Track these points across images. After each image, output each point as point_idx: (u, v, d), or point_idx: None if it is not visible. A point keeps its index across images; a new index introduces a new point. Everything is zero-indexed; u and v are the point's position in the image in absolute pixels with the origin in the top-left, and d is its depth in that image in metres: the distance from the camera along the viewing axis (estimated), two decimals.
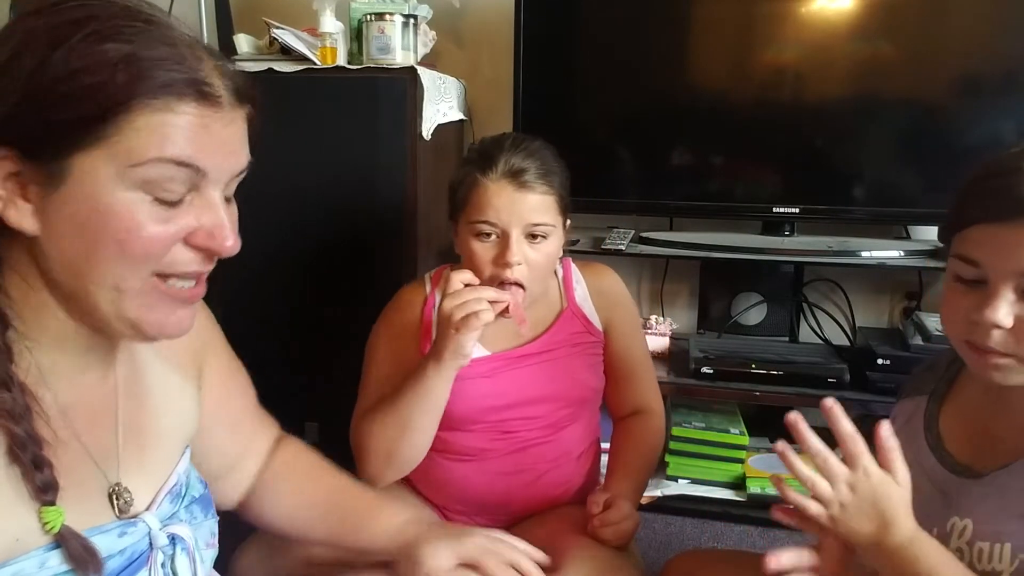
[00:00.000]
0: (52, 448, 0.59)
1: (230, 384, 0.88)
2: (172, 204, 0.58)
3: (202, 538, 0.75)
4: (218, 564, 0.81)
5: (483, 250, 1.09)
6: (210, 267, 0.63)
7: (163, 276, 0.60)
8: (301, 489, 0.93)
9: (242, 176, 0.64)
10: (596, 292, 1.24)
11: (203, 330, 0.83)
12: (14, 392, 0.57)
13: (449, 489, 1.22)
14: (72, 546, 0.59)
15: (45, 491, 0.58)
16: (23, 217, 0.57)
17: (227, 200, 0.63)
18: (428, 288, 1.22)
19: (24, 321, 0.61)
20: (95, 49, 0.54)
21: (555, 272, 1.23)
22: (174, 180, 0.57)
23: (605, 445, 1.34)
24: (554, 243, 1.11)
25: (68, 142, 0.55)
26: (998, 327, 0.70)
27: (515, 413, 1.18)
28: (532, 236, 1.09)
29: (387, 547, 0.88)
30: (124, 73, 0.54)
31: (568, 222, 1.17)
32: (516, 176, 1.07)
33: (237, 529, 0.92)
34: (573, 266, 1.27)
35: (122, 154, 0.55)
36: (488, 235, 1.09)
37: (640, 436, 1.27)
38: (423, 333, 1.18)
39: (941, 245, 1.73)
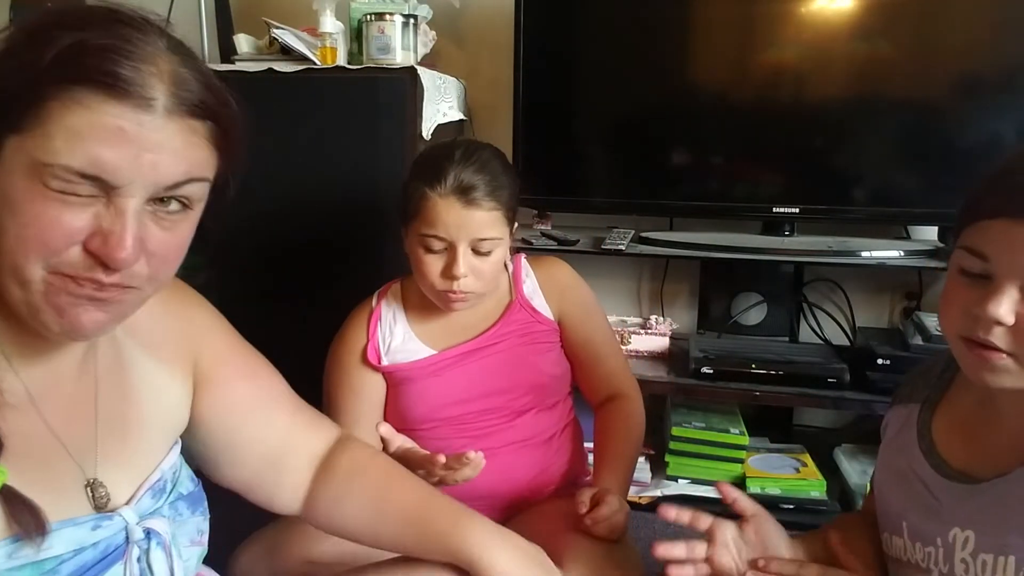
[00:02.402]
0: (3, 411, 0.58)
1: (244, 371, 0.85)
2: (78, 200, 0.55)
3: (186, 535, 0.74)
4: (218, 564, 0.81)
5: (431, 261, 1.13)
6: (115, 279, 0.58)
7: (57, 275, 0.57)
8: (379, 494, 0.86)
9: (188, 189, 0.60)
10: (545, 283, 1.28)
11: (199, 323, 0.82)
12: None
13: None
14: (12, 503, 0.57)
15: None
16: None
17: (178, 210, 0.60)
18: (375, 302, 1.27)
19: None
20: (47, 34, 0.54)
21: (506, 267, 1.27)
22: (79, 187, 0.55)
23: (589, 444, 1.35)
24: (500, 252, 1.16)
25: (3, 123, 0.55)
26: (999, 323, 0.69)
27: (472, 407, 1.21)
28: (478, 248, 1.13)
29: (464, 563, 0.80)
30: (53, 58, 0.53)
31: (516, 226, 1.21)
32: (465, 193, 1.10)
33: (237, 528, 0.91)
34: (524, 261, 1.30)
35: (34, 149, 0.54)
36: (435, 248, 1.13)
37: (620, 423, 1.27)
38: (368, 344, 1.22)
39: (941, 245, 1.74)
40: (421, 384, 1.21)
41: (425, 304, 1.22)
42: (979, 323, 0.70)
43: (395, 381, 1.23)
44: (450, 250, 1.12)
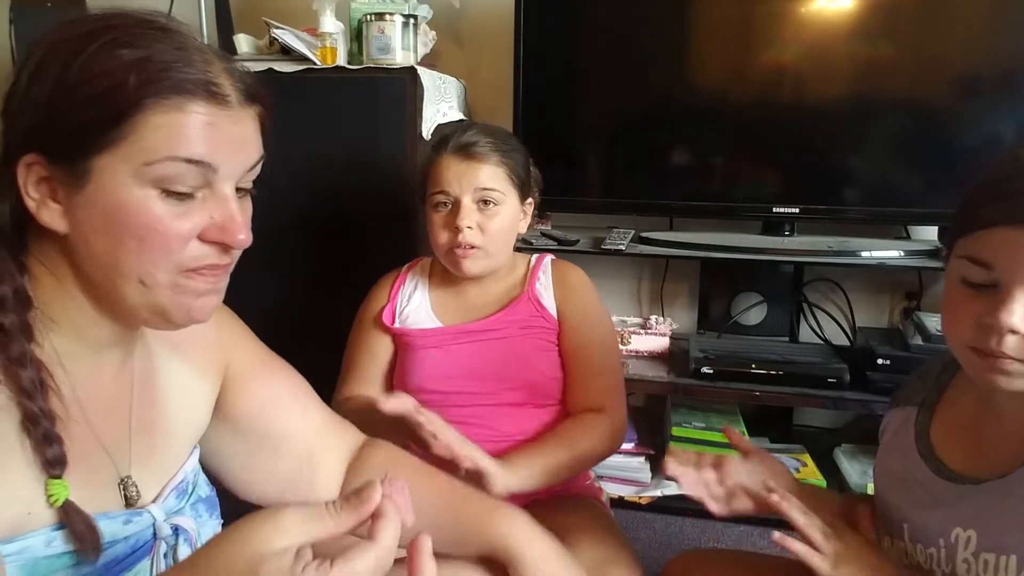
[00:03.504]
0: (65, 427, 0.62)
1: (276, 370, 0.88)
2: (185, 199, 0.61)
3: (205, 536, 0.75)
4: None
5: (439, 219, 1.20)
6: (228, 260, 0.65)
7: (185, 272, 0.63)
8: (412, 490, 0.86)
9: (256, 170, 0.67)
10: (556, 283, 1.30)
11: (226, 330, 0.84)
12: (29, 370, 0.60)
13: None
14: (74, 520, 0.61)
15: (54, 465, 0.60)
16: (54, 218, 0.61)
17: (244, 193, 0.67)
18: (403, 270, 1.34)
19: (49, 310, 0.64)
20: (111, 55, 0.58)
21: (528, 261, 1.32)
22: (186, 176, 0.60)
23: None
24: (507, 212, 1.20)
25: (88, 144, 0.58)
26: (1014, 332, 0.67)
27: (462, 386, 1.23)
28: (484, 203, 1.18)
29: (500, 554, 0.81)
30: (136, 76, 0.57)
31: (531, 202, 1.27)
32: (465, 149, 1.18)
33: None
34: (547, 261, 1.32)
35: (137, 154, 0.58)
36: (444, 204, 1.20)
37: (576, 426, 1.19)
38: (387, 305, 1.30)
39: (941, 245, 1.74)
40: (422, 353, 1.25)
41: (446, 281, 1.28)
42: (991, 333, 0.69)
43: (401, 345, 1.27)
44: (455, 206, 1.19)
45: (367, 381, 1.29)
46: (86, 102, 0.57)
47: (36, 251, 0.64)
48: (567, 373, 1.26)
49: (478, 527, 0.82)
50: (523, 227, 1.27)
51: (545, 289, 1.29)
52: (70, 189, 0.60)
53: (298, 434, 0.86)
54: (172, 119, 0.58)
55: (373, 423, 1.04)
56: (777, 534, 0.80)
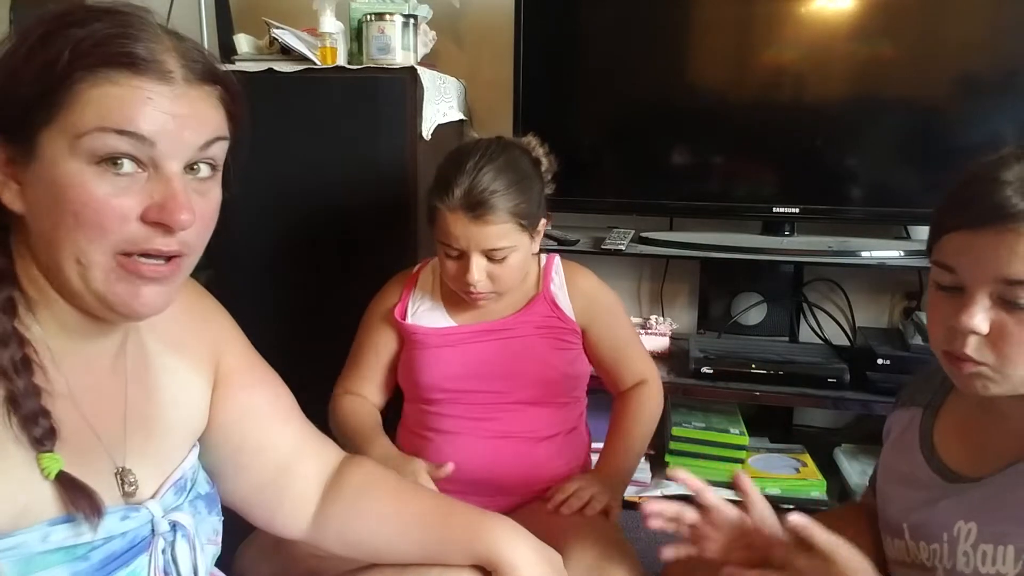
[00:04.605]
0: (52, 403, 0.62)
1: (262, 378, 0.86)
2: (125, 177, 0.59)
3: (204, 533, 0.75)
4: (220, 562, 0.82)
5: (450, 264, 1.19)
6: (175, 248, 0.62)
7: (126, 254, 0.61)
8: (395, 504, 0.86)
9: (213, 150, 0.64)
10: (572, 289, 1.30)
11: (219, 327, 0.84)
12: (11, 348, 0.60)
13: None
14: (70, 489, 0.60)
15: (42, 440, 0.60)
16: (14, 199, 0.61)
17: (206, 178, 0.65)
18: (416, 269, 1.34)
19: (34, 305, 0.64)
20: (58, 34, 0.59)
21: (539, 261, 1.32)
22: (118, 149, 0.59)
23: (598, 445, 1.37)
24: (517, 257, 1.18)
25: (32, 120, 0.59)
26: (974, 332, 0.70)
27: (476, 385, 1.24)
28: (492, 255, 1.16)
29: (486, 562, 0.82)
30: (71, 52, 0.58)
31: (544, 222, 1.23)
32: (472, 209, 1.12)
33: (239, 527, 0.91)
34: (557, 260, 1.33)
35: (70, 126, 0.58)
36: (453, 249, 1.16)
37: (633, 407, 1.33)
38: (399, 303, 1.30)
39: None
40: (434, 351, 1.25)
41: None
42: (956, 336, 0.72)
43: (412, 343, 1.27)
44: (463, 256, 1.16)
45: (368, 377, 1.32)
46: (28, 78, 0.58)
47: (17, 234, 0.64)
48: (606, 365, 1.34)
49: (465, 537, 0.82)
50: (535, 247, 1.24)
51: (560, 289, 1.30)
52: (24, 168, 0.60)
53: (273, 449, 0.85)
54: (104, 91, 0.58)
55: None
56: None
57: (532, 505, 1.25)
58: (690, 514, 0.87)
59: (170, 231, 0.61)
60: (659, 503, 0.88)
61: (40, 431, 0.60)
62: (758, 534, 0.85)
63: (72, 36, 0.58)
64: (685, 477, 0.88)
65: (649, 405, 1.33)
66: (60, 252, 0.60)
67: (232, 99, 0.66)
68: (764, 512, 0.85)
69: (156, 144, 0.60)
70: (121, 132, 0.58)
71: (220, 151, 0.66)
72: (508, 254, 1.16)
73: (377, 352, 1.31)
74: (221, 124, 0.65)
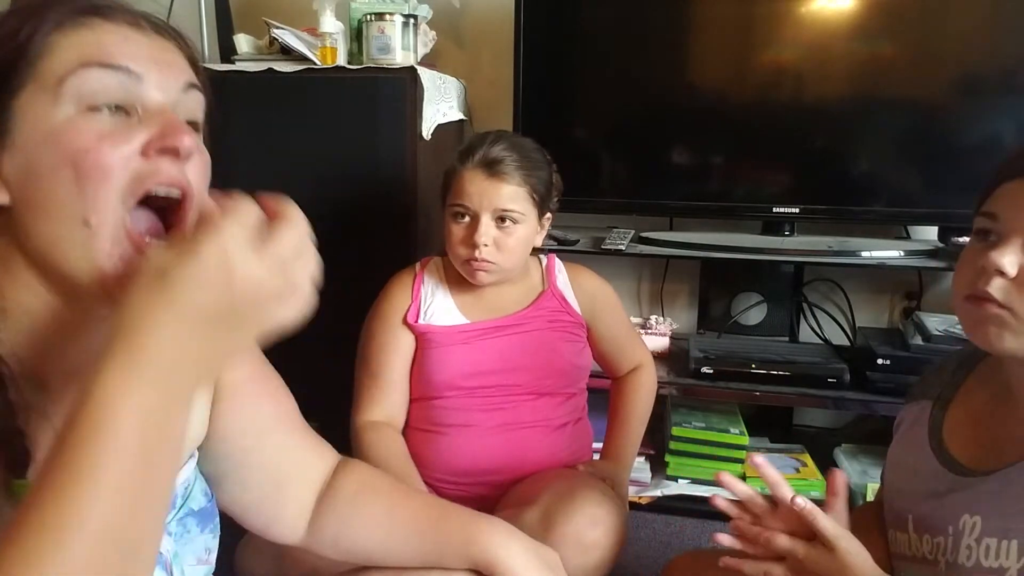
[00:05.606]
0: (27, 417, 0.57)
1: (269, 389, 0.85)
2: (117, 114, 0.57)
3: (192, 553, 0.72)
4: (220, 562, 0.81)
5: (457, 230, 1.22)
6: (182, 177, 0.59)
7: (135, 206, 0.57)
8: (390, 509, 0.86)
9: (193, 97, 0.63)
10: (576, 288, 1.35)
11: None
12: None
13: (438, 463, 1.26)
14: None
15: (13, 468, 0.55)
16: None
17: (193, 128, 0.62)
18: (417, 269, 1.34)
19: (6, 303, 0.59)
20: (29, 7, 0.57)
21: (540, 261, 1.36)
22: (107, 84, 0.57)
23: (597, 445, 1.41)
24: (524, 230, 1.22)
25: (4, 88, 0.56)
26: (1001, 273, 0.71)
27: (493, 380, 1.26)
28: (501, 220, 1.20)
29: (482, 565, 0.81)
30: (40, 13, 0.57)
31: (548, 216, 1.28)
32: (490, 166, 1.19)
33: (238, 527, 0.90)
34: (557, 260, 1.38)
35: (50, 76, 0.56)
36: (462, 216, 1.21)
37: (631, 391, 1.40)
38: (412, 305, 1.30)
39: (941, 245, 1.74)
40: (449, 350, 1.26)
41: (464, 280, 1.29)
42: (982, 275, 0.73)
43: (425, 343, 1.28)
44: (474, 220, 1.20)
45: (388, 392, 1.28)
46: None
47: None
48: (605, 354, 1.39)
49: (460, 540, 0.82)
50: (539, 241, 1.28)
51: (565, 287, 1.34)
52: (3, 150, 0.56)
53: (275, 460, 0.83)
54: (81, 36, 0.57)
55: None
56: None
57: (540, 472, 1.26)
58: (760, 502, 0.86)
59: (176, 155, 0.58)
60: (736, 481, 0.86)
61: (10, 456, 0.55)
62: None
63: (41, 5, 0.57)
64: (761, 463, 0.84)
65: (646, 385, 1.42)
66: (62, 221, 0.56)
67: (196, 70, 0.64)
68: (840, 516, 0.82)
69: (143, 78, 0.58)
70: (106, 65, 0.56)
71: (198, 105, 0.64)
72: (517, 221, 1.20)
73: (396, 361, 1.29)
74: (191, 73, 0.63)
